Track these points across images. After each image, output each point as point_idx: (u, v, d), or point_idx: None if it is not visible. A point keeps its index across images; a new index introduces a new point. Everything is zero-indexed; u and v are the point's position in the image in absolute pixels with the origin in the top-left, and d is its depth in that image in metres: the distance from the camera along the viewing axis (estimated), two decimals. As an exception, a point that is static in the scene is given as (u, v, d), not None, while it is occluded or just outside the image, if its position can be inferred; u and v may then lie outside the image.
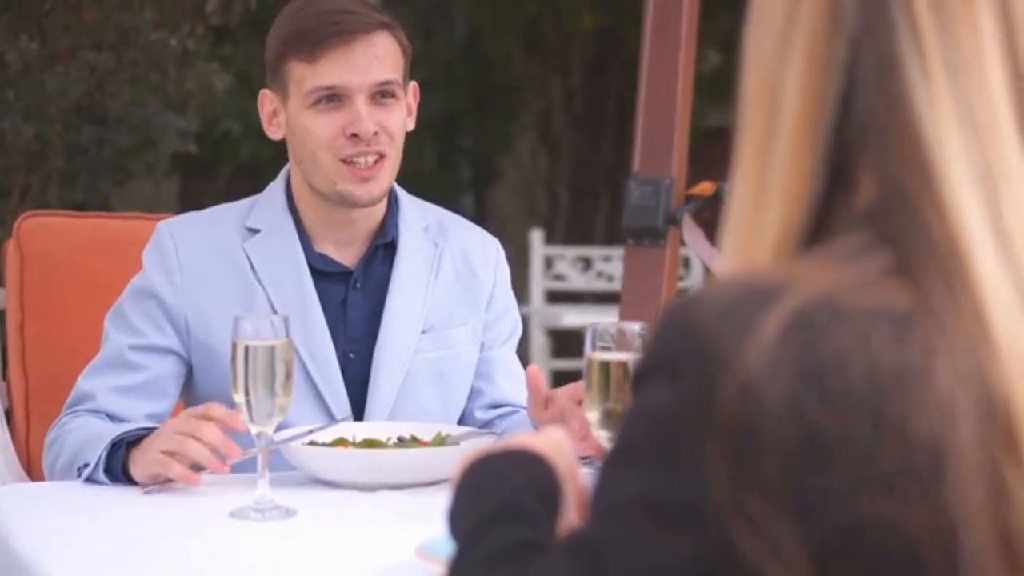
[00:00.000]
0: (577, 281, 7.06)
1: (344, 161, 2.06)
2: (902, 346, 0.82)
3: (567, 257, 7.11)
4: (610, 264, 7.07)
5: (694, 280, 6.89)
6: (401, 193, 2.21)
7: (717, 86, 8.08)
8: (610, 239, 8.43)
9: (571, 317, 6.51)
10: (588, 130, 9.04)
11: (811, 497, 0.80)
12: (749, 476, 0.81)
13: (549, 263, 7.04)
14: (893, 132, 0.87)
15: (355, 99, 2.05)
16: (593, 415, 1.60)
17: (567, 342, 7.11)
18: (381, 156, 2.07)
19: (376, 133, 2.05)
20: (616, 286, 6.91)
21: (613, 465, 0.88)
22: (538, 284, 6.92)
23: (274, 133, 2.15)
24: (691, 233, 1.73)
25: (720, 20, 7.51)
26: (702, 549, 0.83)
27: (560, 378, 6.49)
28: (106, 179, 4.39)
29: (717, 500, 0.81)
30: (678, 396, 0.84)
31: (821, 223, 0.90)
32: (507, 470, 1.06)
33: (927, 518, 0.80)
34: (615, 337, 1.60)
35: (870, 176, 0.88)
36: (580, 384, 1.93)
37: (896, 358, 0.81)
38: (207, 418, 1.81)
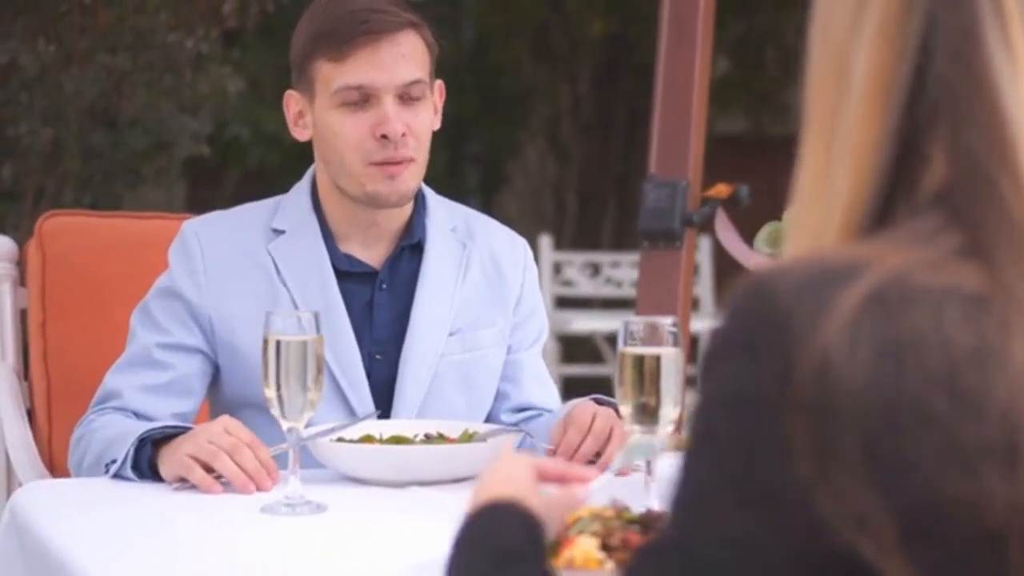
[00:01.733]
0: (586, 287, 7.05)
1: (372, 164, 2.06)
2: (976, 326, 0.82)
3: (575, 263, 7.10)
4: (619, 270, 7.06)
5: (703, 286, 6.88)
6: (429, 193, 2.21)
7: (725, 93, 8.08)
8: (618, 245, 8.43)
9: (580, 323, 6.51)
10: (596, 136, 9.04)
11: (893, 470, 0.81)
12: (831, 450, 0.81)
13: (558, 269, 7.03)
14: (971, 105, 0.87)
15: (383, 99, 2.05)
16: (626, 410, 1.60)
17: (576, 348, 7.10)
18: (409, 161, 2.07)
19: (404, 135, 2.05)
20: (625, 292, 6.90)
21: (694, 456, 0.88)
22: (547, 290, 6.91)
23: (300, 134, 2.14)
24: (724, 230, 1.73)
25: (730, 26, 7.51)
26: (789, 525, 0.83)
27: (569, 383, 6.48)
28: (119, 182, 4.39)
29: (802, 475, 0.82)
30: (756, 373, 0.84)
31: (889, 204, 0.90)
32: (497, 520, 1.08)
33: (1008, 496, 0.80)
34: (646, 333, 1.60)
35: (943, 152, 0.88)
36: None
37: (970, 337, 0.82)
38: (247, 444, 1.81)
